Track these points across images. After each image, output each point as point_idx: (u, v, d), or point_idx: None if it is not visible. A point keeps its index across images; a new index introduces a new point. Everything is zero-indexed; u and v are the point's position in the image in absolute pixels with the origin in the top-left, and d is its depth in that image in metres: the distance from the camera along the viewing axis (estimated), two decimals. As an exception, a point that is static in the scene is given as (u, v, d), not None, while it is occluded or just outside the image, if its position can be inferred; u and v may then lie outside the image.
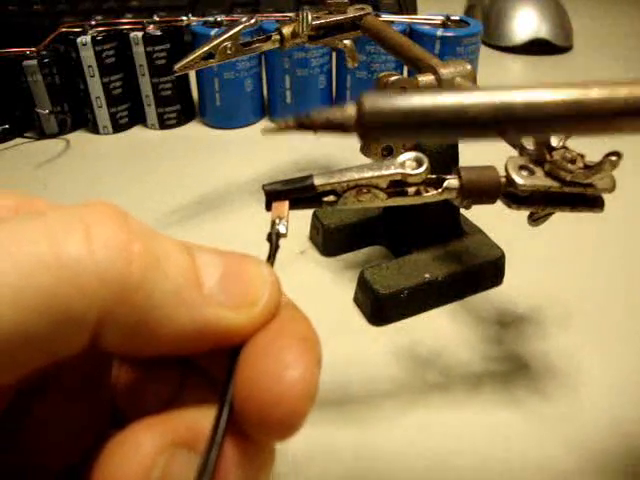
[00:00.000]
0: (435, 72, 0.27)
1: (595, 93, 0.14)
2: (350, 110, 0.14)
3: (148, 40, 0.45)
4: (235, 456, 0.12)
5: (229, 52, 0.33)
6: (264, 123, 0.51)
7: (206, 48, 0.32)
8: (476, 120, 0.14)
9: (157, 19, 0.45)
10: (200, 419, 0.13)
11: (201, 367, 0.15)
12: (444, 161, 0.29)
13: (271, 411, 0.12)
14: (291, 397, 0.12)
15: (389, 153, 0.28)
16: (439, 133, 0.14)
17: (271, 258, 0.15)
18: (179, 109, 0.49)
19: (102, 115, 0.48)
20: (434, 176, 0.19)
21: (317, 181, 0.17)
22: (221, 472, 0.12)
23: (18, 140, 0.48)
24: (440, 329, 0.29)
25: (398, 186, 0.18)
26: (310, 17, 0.34)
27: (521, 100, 0.14)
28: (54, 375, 0.15)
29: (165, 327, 0.12)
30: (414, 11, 0.60)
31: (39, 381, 0.14)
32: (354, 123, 0.14)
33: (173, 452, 0.12)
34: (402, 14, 0.57)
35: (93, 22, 0.45)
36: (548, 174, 0.19)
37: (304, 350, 0.12)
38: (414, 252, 0.31)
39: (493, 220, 0.31)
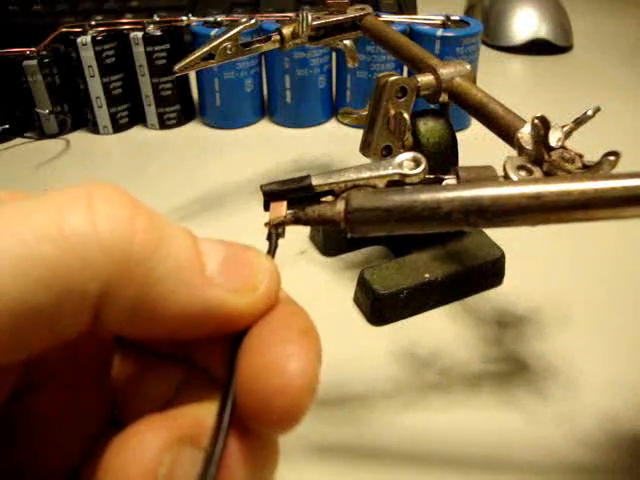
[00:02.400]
0: (435, 72, 0.27)
1: (553, 188, 0.16)
2: (339, 207, 0.16)
3: (148, 40, 0.45)
4: (239, 452, 0.12)
5: (229, 52, 0.33)
6: (264, 123, 0.51)
7: (206, 48, 0.32)
8: (449, 215, 0.16)
9: (157, 19, 0.45)
10: (204, 415, 0.13)
11: (201, 365, 0.15)
12: (442, 161, 0.29)
13: (273, 402, 0.12)
14: (293, 389, 0.12)
15: (388, 153, 0.28)
16: (417, 226, 0.16)
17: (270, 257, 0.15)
18: (179, 109, 0.49)
19: (102, 115, 0.48)
20: (432, 176, 0.19)
21: (315, 181, 0.17)
22: (226, 469, 0.12)
23: (18, 140, 0.48)
24: (440, 329, 0.29)
25: (396, 186, 0.18)
26: (310, 17, 0.34)
27: (488, 195, 0.16)
28: (53, 371, 0.15)
29: (166, 306, 0.12)
30: (414, 11, 0.60)
31: (38, 378, 0.14)
32: (342, 219, 0.16)
33: (179, 449, 0.12)
34: (402, 14, 0.57)
35: (93, 22, 0.45)
36: (546, 174, 0.19)
37: (305, 343, 0.12)
38: (414, 252, 0.31)
39: (493, 220, 0.31)
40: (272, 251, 0.15)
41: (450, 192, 0.16)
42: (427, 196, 0.16)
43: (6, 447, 0.14)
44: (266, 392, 0.12)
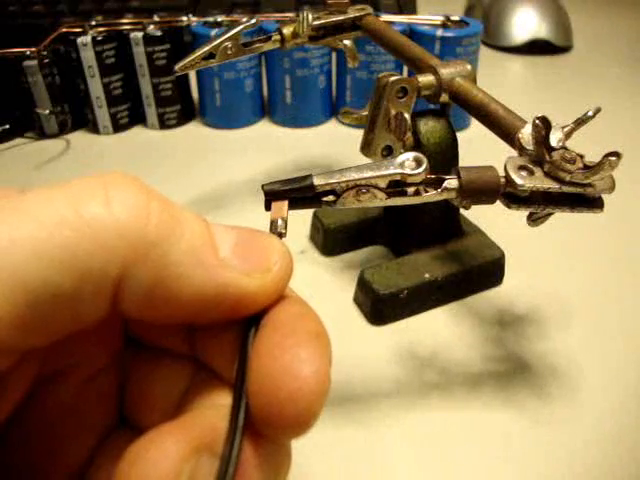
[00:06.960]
0: (435, 72, 0.27)
1: None
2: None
3: (148, 40, 0.45)
4: (253, 458, 0.12)
5: (230, 52, 0.33)
6: (264, 123, 0.51)
7: (207, 48, 0.32)
8: None
9: (157, 19, 0.46)
10: (217, 419, 0.13)
11: (209, 364, 0.15)
12: (443, 161, 0.29)
13: (286, 407, 0.12)
14: (306, 393, 0.12)
15: (389, 153, 0.28)
16: None
17: None
18: (179, 109, 0.49)
19: (102, 115, 0.48)
20: (433, 176, 0.19)
21: (316, 181, 0.17)
22: (240, 474, 0.12)
23: (18, 140, 0.48)
24: (440, 329, 0.29)
25: (397, 186, 0.18)
26: (310, 17, 0.34)
27: None
28: (66, 366, 0.15)
29: (180, 288, 0.12)
30: (413, 11, 0.60)
31: (53, 371, 0.15)
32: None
33: (198, 458, 0.12)
34: (402, 14, 0.57)
35: (93, 22, 0.46)
36: (547, 174, 0.19)
37: (318, 346, 0.12)
38: (414, 252, 0.31)
39: (493, 220, 0.31)
40: None
41: None
42: None
43: (15, 445, 0.14)
44: (279, 396, 0.12)
